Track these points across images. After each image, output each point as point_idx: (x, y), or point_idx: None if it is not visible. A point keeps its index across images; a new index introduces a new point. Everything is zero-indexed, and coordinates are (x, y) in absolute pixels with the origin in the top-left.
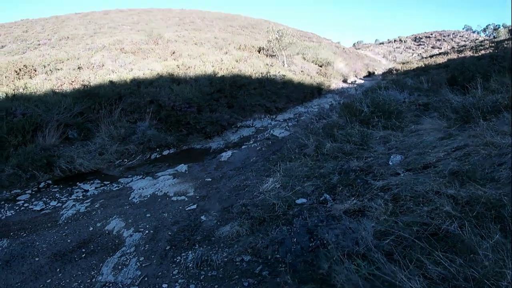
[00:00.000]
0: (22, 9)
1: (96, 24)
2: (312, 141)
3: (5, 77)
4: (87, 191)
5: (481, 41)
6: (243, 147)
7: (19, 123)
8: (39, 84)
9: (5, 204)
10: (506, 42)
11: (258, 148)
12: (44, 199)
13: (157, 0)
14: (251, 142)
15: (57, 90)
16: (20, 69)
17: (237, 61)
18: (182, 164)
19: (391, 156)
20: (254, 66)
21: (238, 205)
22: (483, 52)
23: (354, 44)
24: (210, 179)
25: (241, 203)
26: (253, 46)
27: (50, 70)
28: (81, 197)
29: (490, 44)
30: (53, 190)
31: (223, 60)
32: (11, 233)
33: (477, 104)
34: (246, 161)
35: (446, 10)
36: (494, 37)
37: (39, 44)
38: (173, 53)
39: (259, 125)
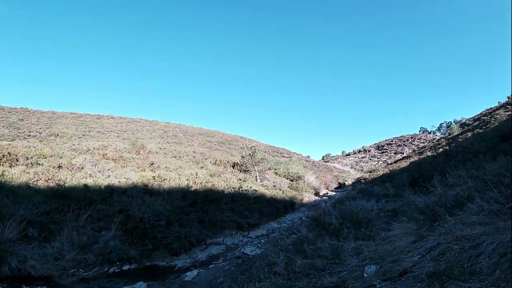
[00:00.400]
0: (24, 96)
1: (87, 126)
2: (282, 259)
3: None
4: None
5: (438, 140)
6: (210, 266)
7: None
8: (16, 175)
9: None
10: (460, 136)
11: (226, 268)
12: None
13: (147, 111)
14: (220, 261)
15: (32, 185)
16: (3, 156)
17: (211, 176)
18: (141, 282)
19: (366, 268)
20: (227, 181)
21: None
22: (441, 150)
23: (323, 157)
24: None
25: None
26: (228, 162)
27: (31, 163)
28: None
29: (447, 141)
30: None
31: (198, 174)
32: None
33: (439, 202)
34: (213, 282)
35: (402, 116)
36: (449, 133)
37: (29, 135)
38: (151, 164)
39: (230, 242)
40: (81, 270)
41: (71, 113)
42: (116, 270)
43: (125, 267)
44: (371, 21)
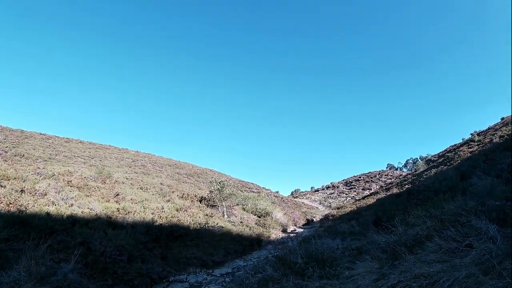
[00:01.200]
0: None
1: (54, 149)
2: None
3: None
4: None
5: (405, 176)
6: None
7: None
8: None
9: None
10: (425, 173)
11: None
12: None
13: (117, 139)
14: None
15: None
16: None
17: (177, 210)
18: None
19: None
20: (193, 217)
21: None
22: (407, 186)
23: (292, 193)
24: None
25: None
26: (195, 196)
27: None
28: None
29: (412, 177)
30: None
31: (164, 208)
32: None
33: (400, 241)
34: None
35: (369, 153)
36: (415, 169)
37: None
38: (117, 195)
39: (193, 280)
40: None
41: (40, 133)
42: None
43: None
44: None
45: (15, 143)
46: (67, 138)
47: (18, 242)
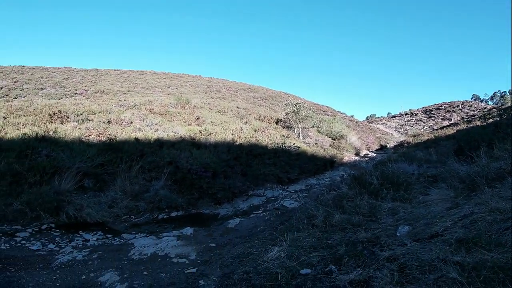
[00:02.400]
0: (66, 55)
1: (131, 82)
2: (322, 212)
3: (39, 118)
4: (88, 240)
5: (489, 110)
6: (251, 215)
7: (41, 163)
8: (68, 131)
9: (2, 237)
10: None
11: (266, 218)
12: (43, 240)
13: (189, 66)
14: (260, 211)
15: (84, 140)
16: (54, 113)
17: (255, 131)
18: (188, 227)
19: (399, 227)
20: (271, 137)
21: (239, 271)
22: (491, 120)
23: (367, 118)
24: (214, 245)
25: (243, 270)
26: (271, 117)
27: (82, 119)
28: (80, 245)
29: (498, 112)
30: (54, 233)
31: (242, 129)
32: (0, 266)
33: (481, 173)
34: (253, 230)
35: (454, 80)
36: (501, 104)
37: (75, 93)
38: (197, 118)
39: (270, 194)
40: (133, 217)
41: (115, 70)
42: (165, 216)
43: (173, 214)
44: None
45: (92, 81)
46: (141, 70)
47: (112, 166)
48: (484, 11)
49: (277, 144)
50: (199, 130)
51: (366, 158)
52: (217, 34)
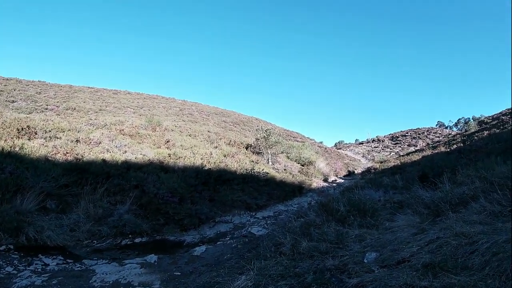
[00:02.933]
0: (41, 69)
1: (103, 101)
2: (289, 240)
3: (7, 132)
4: (47, 265)
5: (454, 136)
6: (218, 243)
7: (5, 180)
8: (35, 148)
9: None
10: (476, 134)
11: (233, 245)
12: (1, 262)
13: (164, 88)
14: (228, 238)
15: (50, 158)
16: (22, 128)
17: (225, 156)
18: (153, 255)
19: (366, 254)
20: (240, 162)
21: None
22: (455, 146)
23: (335, 144)
24: (179, 273)
25: None
26: (241, 143)
27: (50, 137)
28: (40, 270)
29: (462, 138)
30: (12, 256)
31: (212, 153)
32: None
33: (445, 198)
34: (220, 258)
35: (420, 108)
36: (465, 130)
37: (46, 109)
38: (167, 141)
39: (237, 221)
40: (95, 241)
41: (89, 87)
42: (128, 242)
43: (137, 240)
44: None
45: (65, 97)
46: (115, 90)
47: (77, 188)
48: (447, 40)
49: (246, 169)
50: (168, 154)
51: (334, 184)
52: (192, 58)
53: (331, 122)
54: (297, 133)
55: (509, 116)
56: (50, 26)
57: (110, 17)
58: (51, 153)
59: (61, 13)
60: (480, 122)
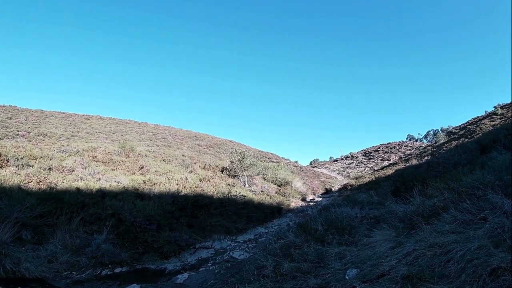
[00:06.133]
0: (12, 93)
1: (75, 127)
2: (271, 262)
3: None
4: None
5: (424, 148)
6: (201, 269)
7: None
8: (7, 176)
9: None
10: (445, 145)
11: (216, 271)
12: None
13: (136, 113)
14: (210, 264)
15: (24, 187)
16: None
17: (200, 180)
18: (135, 284)
19: (347, 271)
20: (216, 186)
21: None
22: (426, 158)
23: (310, 162)
24: None
25: None
26: (217, 166)
27: (22, 164)
28: None
29: (432, 149)
30: None
31: (187, 178)
32: None
33: (417, 211)
34: (203, 284)
35: (390, 123)
36: (435, 141)
37: (17, 135)
38: (141, 167)
39: (218, 246)
40: (75, 273)
41: (60, 112)
42: (109, 272)
43: (117, 270)
44: (361, 31)
45: (36, 123)
46: (87, 115)
47: (52, 218)
48: (409, 54)
49: (223, 193)
50: (143, 180)
51: (312, 203)
52: (163, 82)
53: (304, 142)
54: (271, 153)
55: (475, 125)
56: (18, 51)
57: (80, 42)
58: (24, 182)
59: (30, 37)
60: (449, 133)
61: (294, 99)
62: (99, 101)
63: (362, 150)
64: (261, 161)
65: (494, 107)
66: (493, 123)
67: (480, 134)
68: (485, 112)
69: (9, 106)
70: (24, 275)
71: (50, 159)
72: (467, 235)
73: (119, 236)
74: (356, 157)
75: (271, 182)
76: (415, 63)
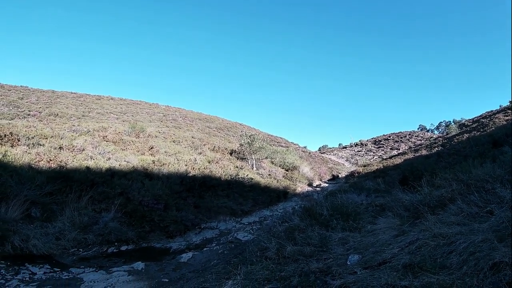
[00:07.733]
0: (24, 74)
1: (86, 107)
2: (274, 244)
3: None
4: (34, 274)
5: (435, 139)
6: (205, 249)
7: None
8: (18, 155)
9: None
10: (456, 137)
11: (220, 251)
12: None
13: (147, 94)
14: (214, 244)
15: (34, 166)
16: (5, 135)
17: (209, 162)
18: (140, 262)
19: (349, 256)
20: (224, 168)
21: None
22: (436, 149)
23: (319, 148)
24: (167, 280)
25: None
26: (226, 148)
27: (33, 143)
28: (27, 278)
29: (443, 141)
30: None
31: (196, 160)
32: None
33: (424, 201)
34: (207, 264)
35: (402, 112)
36: (446, 133)
37: (28, 115)
38: (151, 148)
39: (223, 227)
40: (81, 250)
41: (71, 92)
42: (115, 250)
43: (123, 248)
44: (374, 20)
45: (47, 103)
46: (98, 95)
47: (61, 195)
48: (428, 47)
49: (231, 175)
50: (152, 160)
51: (318, 189)
52: (176, 63)
53: (315, 127)
54: (281, 138)
55: (488, 119)
56: (32, 33)
57: (92, 26)
58: (34, 161)
59: (44, 20)
60: (461, 125)
61: (309, 84)
62: (111, 81)
63: (372, 138)
64: (270, 145)
65: (510, 101)
66: (507, 117)
67: (493, 128)
68: (500, 106)
69: (21, 86)
70: (32, 252)
71: (61, 139)
72: (472, 228)
73: (127, 215)
74: (366, 145)
75: (279, 166)
76: (431, 58)
